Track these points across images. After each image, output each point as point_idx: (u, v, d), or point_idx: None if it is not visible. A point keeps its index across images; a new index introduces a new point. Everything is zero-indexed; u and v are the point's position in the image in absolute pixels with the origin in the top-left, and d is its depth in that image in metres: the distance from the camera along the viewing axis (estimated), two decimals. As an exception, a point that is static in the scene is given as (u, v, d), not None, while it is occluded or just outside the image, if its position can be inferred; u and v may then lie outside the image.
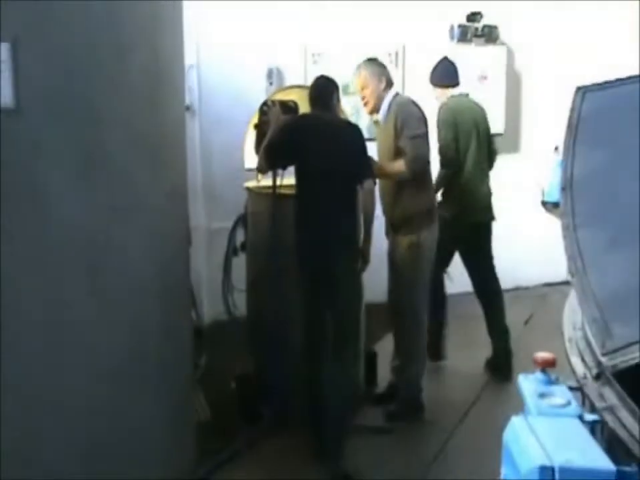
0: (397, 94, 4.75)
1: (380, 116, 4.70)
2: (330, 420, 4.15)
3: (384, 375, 5.12)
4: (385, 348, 5.24)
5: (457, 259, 7.00)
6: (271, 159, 4.30)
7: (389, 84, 4.73)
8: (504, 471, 1.66)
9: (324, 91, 4.38)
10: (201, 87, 6.10)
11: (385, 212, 4.80)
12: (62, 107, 2.75)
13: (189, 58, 5.11)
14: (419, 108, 4.68)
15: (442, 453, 4.41)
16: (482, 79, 6.72)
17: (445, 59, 5.65)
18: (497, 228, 7.09)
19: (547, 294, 7.25)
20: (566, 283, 7.37)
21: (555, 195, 7.18)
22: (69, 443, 3.05)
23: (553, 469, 1.45)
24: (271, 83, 6.13)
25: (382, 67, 4.81)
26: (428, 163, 4.64)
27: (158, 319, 3.37)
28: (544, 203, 7.31)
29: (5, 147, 2.65)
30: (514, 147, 7.16)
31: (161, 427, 3.45)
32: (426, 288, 4.84)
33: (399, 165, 4.54)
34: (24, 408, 2.92)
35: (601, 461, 1.48)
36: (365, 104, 4.77)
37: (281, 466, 4.21)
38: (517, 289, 7.24)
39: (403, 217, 4.68)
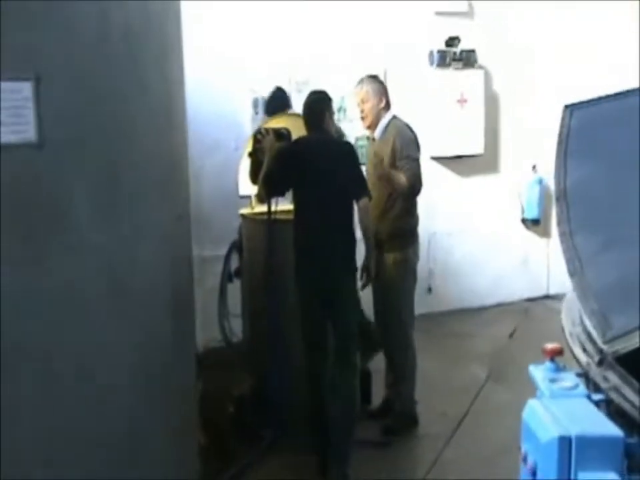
0: (394, 116, 5.01)
1: (376, 134, 4.95)
2: (335, 433, 4.32)
3: (377, 392, 5.33)
4: (377, 366, 5.44)
5: (441, 276, 7.30)
6: (270, 188, 4.52)
7: (388, 104, 4.99)
8: (524, 446, 1.88)
9: (316, 108, 4.57)
10: (189, 114, 6.30)
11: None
12: (83, 139, 2.94)
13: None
14: (414, 133, 4.97)
15: (436, 464, 4.61)
16: (461, 102, 7.01)
17: (278, 88, 5.96)
18: (479, 246, 7.42)
19: (529, 308, 7.54)
20: (546, 297, 7.74)
21: (533, 212, 7.52)
22: (79, 452, 3.17)
23: (570, 438, 1.67)
24: (256, 112, 6.36)
25: (383, 85, 5.08)
26: (421, 186, 4.87)
27: (169, 339, 3.55)
28: (523, 220, 7.62)
29: (29, 179, 2.83)
30: (493, 167, 7.46)
31: (165, 447, 3.57)
32: (412, 304, 5.07)
33: (402, 179, 4.76)
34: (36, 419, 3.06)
35: (610, 429, 1.71)
36: (363, 118, 5.00)
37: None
38: (499, 304, 7.51)
39: (389, 235, 4.90)
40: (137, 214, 3.18)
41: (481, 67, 7.16)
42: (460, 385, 5.72)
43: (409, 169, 4.75)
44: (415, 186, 4.80)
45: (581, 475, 1.66)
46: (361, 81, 5.04)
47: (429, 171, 6.89)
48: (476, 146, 7.12)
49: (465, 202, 7.36)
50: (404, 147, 4.79)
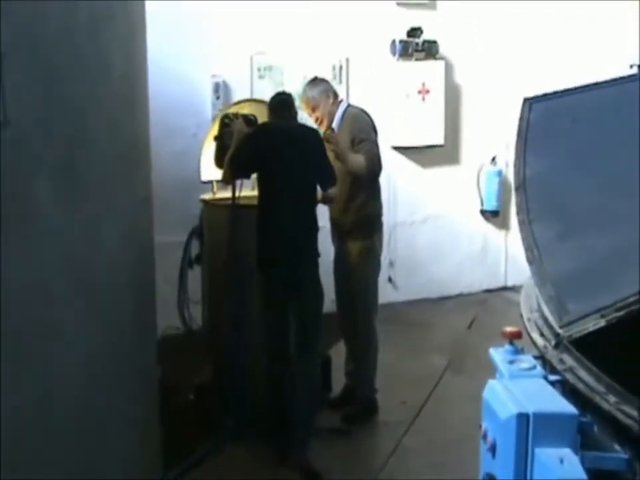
0: (348, 105, 5.12)
1: (334, 125, 5.02)
2: (295, 420, 4.43)
3: (337, 379, 5.44)
4: (337, 354, 5.56)
5: (401, 266, 7.43)
6: (236, 169, 4.58)
7: (336, 97, 5.08)
8: (485, 424, 2.00)
9: (284, 102, 4.69)
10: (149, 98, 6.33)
11: (335, 218, 5.12)
12: (47, 118, 2.97)
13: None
14: (371, 118, 5.06)
15: (396, 451, 4.74)
16: (422, 93, 7.15)
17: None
18: (439, 237, 7.57)
19: (487, 299, 7.73)
20: (504, 288, 7.92)
21: (492, 204, 7.70)
22: (41, 435, 3.21)
23: (527, 415, 1.80)
24: (217, 97, 6.41)
25: (325, 82, 5.15)
26: (381, 167, 4.97)
27: (131, 325, 3.60)
28: (482, 212, 7.79)
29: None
30: (454, 158, 7.61)
31: (127, 432, 3.64)
32: (376, 292, 5.20)
33: (360, 159, 4.82)
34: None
35: (565, 407, 1.84)
36: (319, 123, 5.06)
37: (244, 472, 4.44)
38: (459, 295, 7.68)
39: (354, 223, 5.01)
40: (98, 196, 3.20)
41: (442, 58, 7.29)
42: (420, 374, 5.86)
43: (366, 151, 4.84)
44: (373, 167, 4.88)
45: (537, 451, 1.79)
46: (304, 91, 5.11)
47: (390, 161, 7.06)
48: (437, 137, 7.26)
49: (426, 192, 7.51)
50: (360, 132, 4.89)
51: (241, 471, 4.44)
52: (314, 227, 4.53)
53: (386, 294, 7.16)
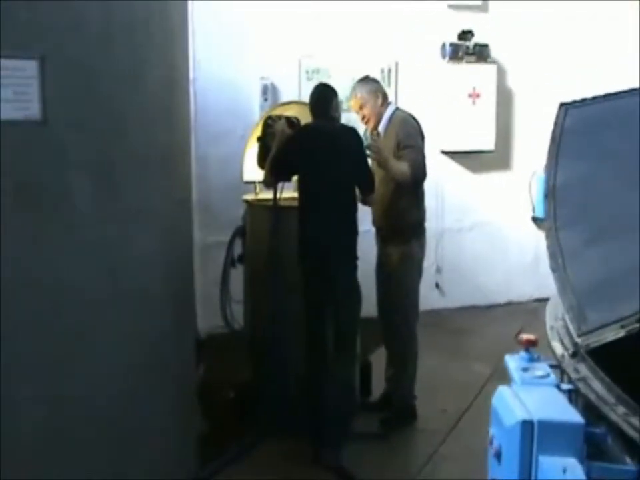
0: (397, 108, 5.13)
1: (381, 128, 5.02)
2: (331, 421, 4.48)
3: (378, 385, 5.46)
4: (379, 360, 5.57)
5: (449, 272, 7.40)
6: (277, 172, 4.66)
7: (385, 99, 5.09)
8: (492, 430, 2.01)
9: (323, 98, 4.73)
10: (197, 101, 6.46)
11: (376, 221, 5.14)
12: (85, 119, 3.09)
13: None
14: (418, 123, 5.06)
15: (433, 459, 4.73)
16: (473, 97, 7.11)
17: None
18: (488, 244, 7.52)
19: (537, 309, 7.60)
20: (556, 297, 7.78)
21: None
22: (77, 442, 3.32)
23: (532, 423, 1.80)
24: (265, 99, 6.50)
25: (376, 83, 5.17)
26: (425, 174, 4.95)
27: (166, 323, 3.68)
28: (534, 219, 7.70)
29: (32, 155, 2.99)
30: (505, 164, 7.55)
31: (165, 429, 3.73)
32: (417, 298, 5.19)
33: (404, 167, 4.82)
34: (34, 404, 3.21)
35: (572, 416, 1.84)
36: (366, 122, 5.09)
37: (279, 469, 4.51)
38: (509, 303, 7.61)
39: (395, 228, 5.01)
40: (135, 197, 3.32)
41: (494, 62, 7.25)
42: (462, 381, 5.82)
43: (410, 158, 4.83)
44: (417, 174, 4.86)
45: (541, 459, 1.79)
46: (353, 88, 5.13)
47: (439, 166, 7.05)
48: (487, 142, 7.22)
49: (475, 198, 7.47)
50: (406, 137, 4.88)
51: (275, 469, 4.50)
52: (353, 229, 4.58)
53: (433, 300, 7.17)
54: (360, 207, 4.88)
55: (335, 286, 4.52)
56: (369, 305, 5.20)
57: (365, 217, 5.12)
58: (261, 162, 4.83)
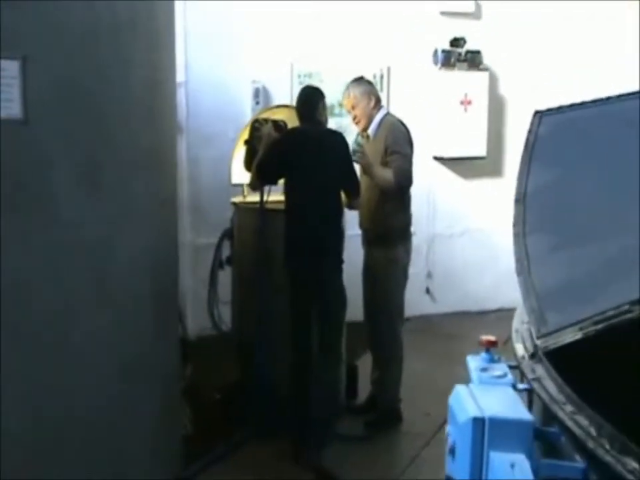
0: (387, 113, 5.20)
1: (370, 131, 5.11)
2: (315, 422, 4.56)
3: (364, 388, 5.53)
4: (365, 364, 5.64)
5: (440, 278, 7.47)
6: (263, 176, 4.75)
7: (378, 102, 5.17)
8: (448, 428, 2.09)
9: (309, 101, 4.84)
10: (189, 104, 6.54)
11: (362, 224, 5.21)
12: (67, 118, 3.18)
13: (178, 75, 5.57)
14: (407, 129, 5.13)
15: (415, 462, 4.81)
16: (465, 104, 7.19)
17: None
18: (479, 250, 7.58)
19: (528, 315, 7.66)
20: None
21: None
22: (61, 443, 3.39)
23: (483, 420, 1.87)
24: (257, 102, 6.59)
25: (370, 85, 5.26)
26: (411, 181, 5.04)
27: (151, 324, 3.75)
28: (526, 226, 7.75)
29: (15, 155, 3.07)
30: (497, 171, 7.60)
31: (149, 429, 3.81)
32: (402, 301, 5.26)
33: (388, 174, 4.92)
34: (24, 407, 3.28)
35: (522, 414, 1.91)
36: (357, 122, 5.17)
37: (264, 469, 4.60)
38: (499, 309, 7.66)
39: (380, 232, 5.08)
40: (118, 196, 3.40)
41: (486, 69, 7.33)
42: (448, 386, 5.82)
43: (396, 165, 4.92)
44: (401, 182, 4.94)
45: (492, 455, 1.86)
46: (347, 88, 5.21)
47: (431, 171, 7.13)
48: (478, 148, 7.30)
49: (467, 204, 7.53)
50: (394, 143, 4.96)
51: (260, 469, 4.58)
52: (338, 232, 4.68)
53: (423, 306, 7.25)
54: (348, 211, 4.99)
55: (320, 288, 4.61)
56: (356, 309, 5.28)
57: (353, 220, 5.21)
58: (248, 165, 4.91)
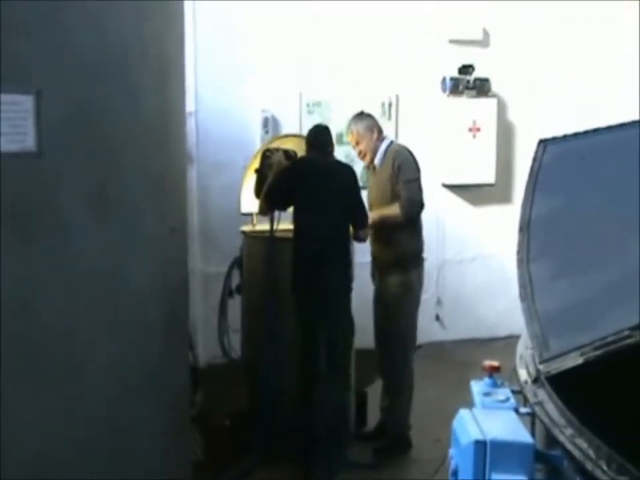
0: (391, 142, 5.32)
1: (376, 161, 5.23)
2: (323, 445, 4.62)
3: (373, 416, 5.58)
4: (375, 391, 5.69)
5: (450, 305, 7.52)
6: (272, 201, 4.86)
7: (380, 133, 5.29)
8: (451, 451, 2.15)
9: (320, 136, 4.99)
10: (199, 133, 6.66)
11: (375, 255, 5.29)
12: (78, 149, 3.27)
13: (187, 105, 5.68)
14: (413, 155, 5.24)
15: (425, 490, 4.85)
16: (473, 131, 7.28)
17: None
18: (489, 277, 7.63)
19: (539, 342, 7.69)
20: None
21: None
22: (70, 465, 3.40)
23: (485, 443, 1.94)
24: (266, 132, 6.70)
25: (371, 118, 5.36)
26: (422, 206, 5.14)
27: (161, 351, 3.80)
28: (536, 252, 7.80)
29: (29, 186, 3.17)
30: (506, 198, 7.66)
31: (159, 455, 3.82)
32: (415, 328, 5.32)
33: (394, 209, 5.06)
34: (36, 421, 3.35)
35: (522, 436, 1.97)
36: (363, 157, 5.30)
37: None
38: (510, 336, 7.69)
39: (393, 259, 5.16)
40: (128, 224, 3.48)
41: (494, 96, 7.42)
42: (456, 412, 5.91)
43: (403, 196, 5.04)
44: (409, 211, 5.06)
45: (494, 477, 1.92)
46: (349, 126, 5.34)
47: (440, 198, 7.21)
48: (487, 175, 7.38)
49: (476, 231, 7.60)
50: (400, 170, 5.07)
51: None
52: (346, 260, 4.76)
53: (433, 332, 7.29)
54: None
55: (328, 313, 4.68)
56: (365, 336, 5.34)
57: (362, 247, 5.29)
58: (258, 192, 5.01)
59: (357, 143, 5.26)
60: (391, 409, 5.34)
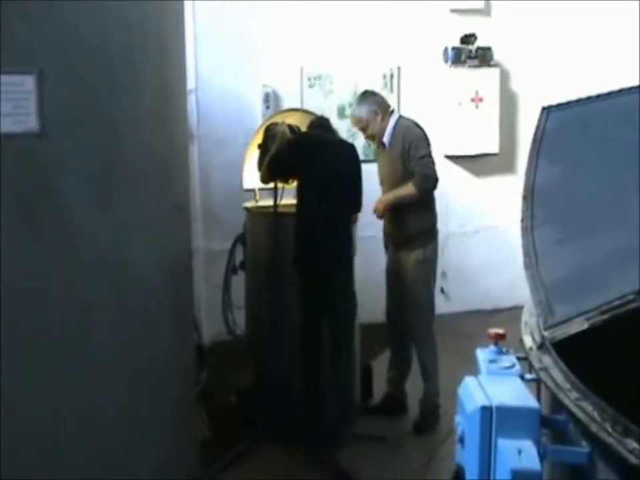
0: (399, 117, 5.28)
1: (385, 139, 5.21)
2: (329, 423, 4.67)
3: (379, 389, 5.64)
4: (380, 364, 5.75)
5: (454, 277, 7.54)
6: (274, 170, 4.88)
7: (385, 111, 5.22)
8: (457, 417, 2.19)
9: (322, 119, 5.08)
10: (200, 111, 6.66)
11: (388, 231, 5.32)
12: (82, 131, 3.29)
13: (188, 82, 5.68)
14: (422, 129, 5.23)
15: (432, 460, 4.89)
16: (476, 101, 7.27)
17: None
18: (494, 249, 7.65)
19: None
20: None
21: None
22: (79, 448, 3.47)
23: (491, 408, 1.97)
24: (268, 106, 6.70)
25: (374, 98, 5.29)
26: (437, 180, 5.13)
27: (166, 329, 3.84)
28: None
29: (32, 167, 3.19)
30: (509, 167, 7.67)
31: (166, 432, 3.89)
32: (433, 302, 5.38)
33: (409, 189, 5.06)
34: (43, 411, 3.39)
35: (528, 401, 2.01)
36: (371, 139, 5.32)
37: (279, 471, 4.72)
38: (515, 307, 7.72)
39: (408, 235, 5.19)
40: (132, 204, 3.51)
41: (497, 65, 7.41)
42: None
43: (417, 172, 5.03)
44: (425, 187, 5.06)
45: (500, 442, 1.95)
46: (353, 109, 5.33)
47: (443, 170, 7.19)
48: (491, 145, 7.38)
49: (480, 202, 7.62)
50: (411, 146, 5.06)
51: (274, 470, 4.71)
52: (348, 234, 4.77)
53: (438, 305, 7.26)
54: (365, 212, 5.10)
55: (329, 286, 4.71)
56: (370, 311, 5.38)
57: (366, 223, 5.31)
58: (261, 165, 5.03)
59: (363, 130, 5.25)
60: (398, 382, 5.41)
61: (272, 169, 4.87)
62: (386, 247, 5.42)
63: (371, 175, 5.28)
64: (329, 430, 4.69)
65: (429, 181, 5.07)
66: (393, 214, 5.18)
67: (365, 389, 5.60)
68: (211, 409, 5.28)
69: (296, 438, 4.88)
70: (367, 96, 5.31)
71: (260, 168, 5.08)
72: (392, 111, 5.28)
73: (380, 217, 5.17)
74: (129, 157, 3.48)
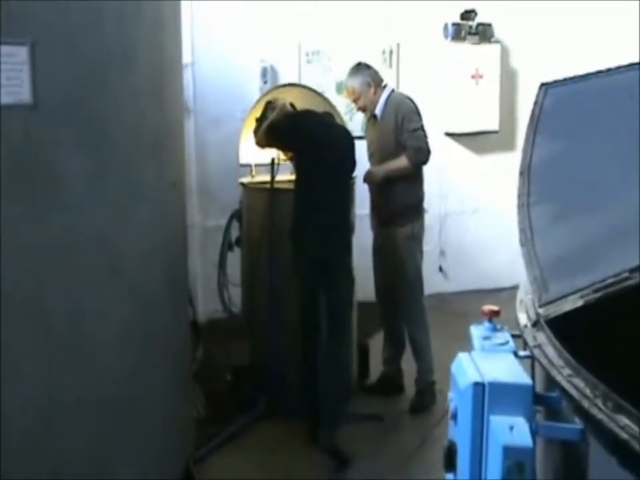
0: (392, 90, 5.31)
1: (377, 112, 5.23)
2: (326, 402, 4.69)
3: (375, 368, 5.67)
4: (377, 343, 5.77)
5: (453, 256, 7.56)
6: (271, 135, 4.86)
7: (379, 84, 5.26)
8: (450, 394, 2.20)
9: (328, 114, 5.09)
10: (196, 86, 6.64)
11: (376, 206, 5.33)
12: (76, 103, 3.29)
13: (184, 57, 5.65)
14: (414, 103, 5.25)
15: (428, 440, 4.93)
16: (476, 78, 7.25)
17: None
18: (493, 228, 7.65)
19: (542, 291, 7.75)
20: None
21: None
22: (75, 422, 3.50)
23: (483, 385, 1.98)
24: (265, 82, 6.67)
25: (366, 70, 5.30)
26: (429, 153, 5.16)
27: (161, 305, 3.86)
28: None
29: (25, 140, 3.18)
30: (509, 145, 7.63)
31: (162, 410, 3.92)
32: (422, 279, 5.39)
33: (402, 161, 5.10)
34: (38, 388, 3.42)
35: (521, 378, 2.02)
36: (363, 111, 5.34)
37: (275, 449, 4.76)
38: (514, 287, 7.73)
39: (396, 210, 5.21)
40: (128, 178, 3.52)
41: (497, 42, 7.37)
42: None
43: (410, 145, 5.07)
44: (418, 159, 5.11)
45: (492, 419, 1.97)
46: (346, 80, 5.33)
47: (443, 148, 7.19)
48: (491, 122, 7.36)
49: (479, 180, 7.60)
50: (404, 119, 5.09)
51: (271, 448, 4.75)
52: (346, 212, 4.78)
53: (437, 284, 7.33)
54: (360, 189, 5.10)
55: (329, 267, 4.72)
56: (367, 289, 5.39)
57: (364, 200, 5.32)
58: (258, 131, 4.98)
59: (355, 100, 5.27)
60: (395, 360, 5.44)
61: (269, 133, 4.84)
62: (373, 225, 5.42)
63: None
64: (326, 409, 4.70)
65: (422, 154, 5.10)
66: (384, 188, 5.20)
67: (361, 368, 5.63)
68: (207, 386, 5.30)
69: (292, 416, 4.91)
70: (360, 68, 5.32)
71: (257, 134, 5.04)
72: (385, 85, 5.30)
73: (373, 182, 5.19)
74: (123, 130, 3.49)
